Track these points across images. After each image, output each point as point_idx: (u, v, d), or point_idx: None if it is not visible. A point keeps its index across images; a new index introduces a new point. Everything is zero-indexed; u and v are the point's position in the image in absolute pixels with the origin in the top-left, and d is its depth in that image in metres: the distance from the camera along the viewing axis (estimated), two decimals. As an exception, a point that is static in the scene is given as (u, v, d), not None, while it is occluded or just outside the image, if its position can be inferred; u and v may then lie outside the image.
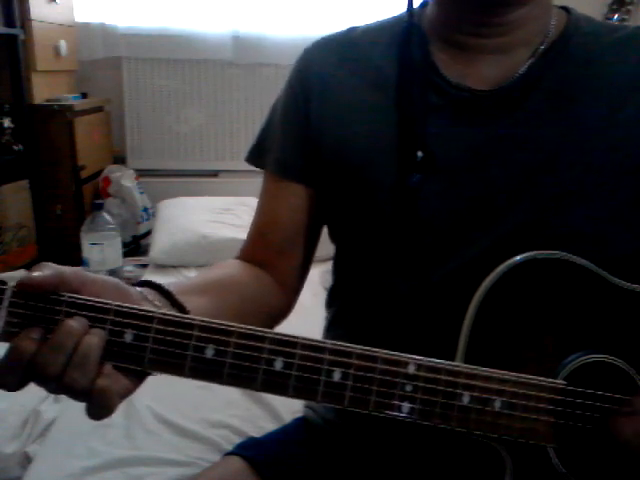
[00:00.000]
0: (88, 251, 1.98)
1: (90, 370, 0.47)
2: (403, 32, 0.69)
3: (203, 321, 0.50)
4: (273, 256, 0.76)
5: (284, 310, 0.78)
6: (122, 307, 0.49)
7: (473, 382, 0.54)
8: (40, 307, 0.48)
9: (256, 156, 0.79)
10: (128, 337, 0.49)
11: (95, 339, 0.47)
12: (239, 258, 0.78)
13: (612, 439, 0.56)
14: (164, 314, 0.50)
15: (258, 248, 0.77)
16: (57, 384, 0.47)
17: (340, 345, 0.52)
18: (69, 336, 0.46)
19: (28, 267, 2.14)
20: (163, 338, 0.49)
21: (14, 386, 0.47)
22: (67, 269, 0.49)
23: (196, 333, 0.50)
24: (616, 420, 0.56)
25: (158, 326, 0.49)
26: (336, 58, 0.72)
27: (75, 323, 0.47)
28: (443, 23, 0.67)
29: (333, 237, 0.77)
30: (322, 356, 0.51)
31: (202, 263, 2.12)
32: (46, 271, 0.48)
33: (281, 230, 0.75)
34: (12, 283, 0.48)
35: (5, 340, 0.48)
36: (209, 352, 0.50)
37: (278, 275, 0.75)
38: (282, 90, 0.76)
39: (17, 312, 0.48)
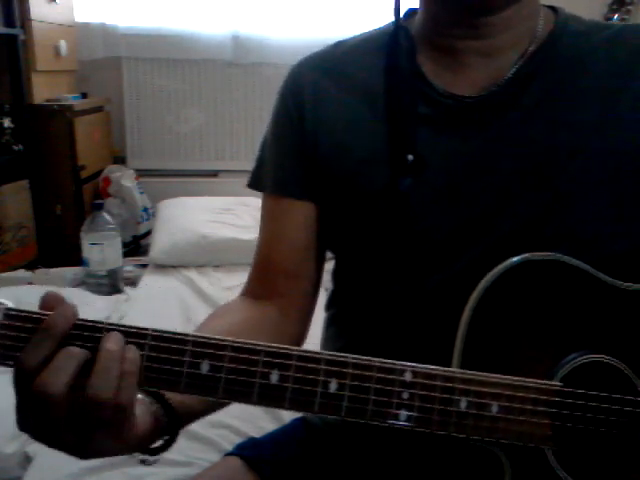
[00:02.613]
0: (88, 251, 1.98)
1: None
2: (390, 43, 0.69)
3: (196, 337, 0.50)
4: (282, 282, 0.73)
5: (298, 339, 0.75)
6: (113, 326, 0.49)
7: (469, 387, 0.53)
8: (32, 329, 0.48)
9: (256, 181, 0.77)
10: None
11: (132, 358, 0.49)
12: (245, 294, 0.77)
13: None
14: (157, 330, 0.50)
15: (265, 275, 0.75)
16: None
17: (335, 355, 0.51)
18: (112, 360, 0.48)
19: (28, 267, 2.14)
20: (157, 355, 0.49)
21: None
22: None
23: (190, 348, 0.50)
24: None
25: (152, 343, 0.49)
26: (325, 73, 0.71)
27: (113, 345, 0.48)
28: (430, 27, 0.67)
29: (331, 247, 0.76)
30: (318, 367, 0.51)
31: (202, 263, 2.12)
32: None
33: (286, 250, 0.73)
34: (3, 305, 0.49)
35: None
36: (204, 367, 0.50)
37: (288, 302, 0.73)
38: (272, 112, 0.75)
39: (8, 334, 0.48)
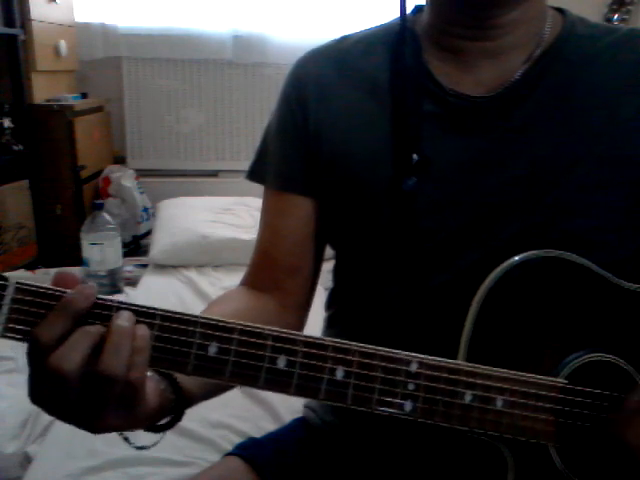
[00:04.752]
0: (88, 251, 1.97)
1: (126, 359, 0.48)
2: (396, 39, 0.69)
3: (205, 318, 0.50)
4: (281, 276, 0.74)
5: (296, 330, 0.75)
6: (124, 305, 0.49)
7: (475, 380, 0.54)
8: (42, 304, 0.48)
9: (256, 173, 0.77)
10: None
11: (143, 335, 0.49)
12: (243, 284, 0.77)
13: (615, 441, 0.55)
14: (166, 311, 0.50)
15: (265, 269, 0.75)
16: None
17: (343, 343, 0.52)
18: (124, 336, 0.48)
19: (28, 267, 2.14)
20: (165, 336, 0.50)
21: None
22: None
23: (199, 330, 0.50)
24: (617, 422, 0.56)
25: (161, 323, 0.50)
26: (330, 68, 0.71)
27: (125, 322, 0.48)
28: (437, 27, 0.67)
29: (332, 244, 0.76)
30: (325, 354, 0.51)
31: (202, 263, 2.12)
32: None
33: (287, 245, 0.73)
34: (14, 280, 0.48)
35: (4, 337, 0.48)
36: (212, 349, 0.50)
37: (287, 296, 0.74)
38: (275, 106, 0.75)
39: (19, 309, 0.48)
